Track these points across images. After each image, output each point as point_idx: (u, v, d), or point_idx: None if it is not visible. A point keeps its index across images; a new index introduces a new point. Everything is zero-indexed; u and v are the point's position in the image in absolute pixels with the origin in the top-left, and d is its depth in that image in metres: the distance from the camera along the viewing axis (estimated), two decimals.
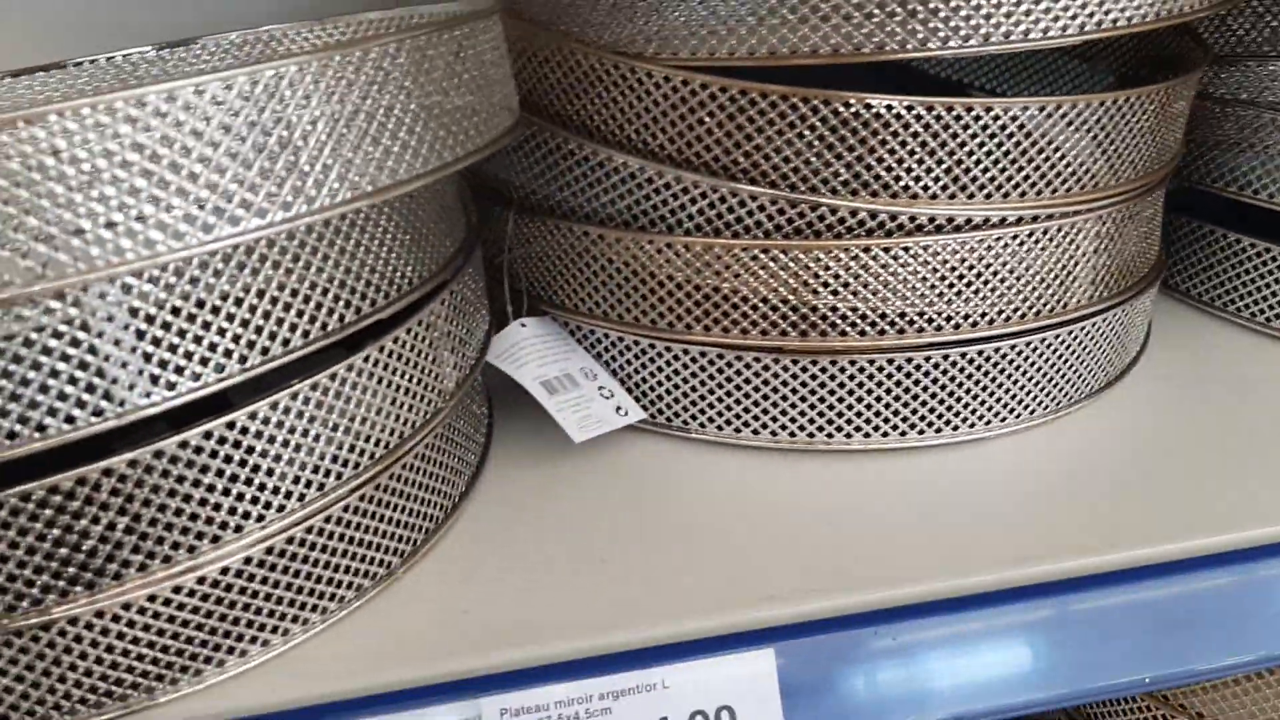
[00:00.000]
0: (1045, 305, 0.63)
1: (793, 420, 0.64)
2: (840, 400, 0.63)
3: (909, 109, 0.56)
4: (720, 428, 0.66)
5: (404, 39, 0.47)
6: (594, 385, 0.65)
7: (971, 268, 0.60)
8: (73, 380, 0.42)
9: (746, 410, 0.65)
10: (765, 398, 0.64)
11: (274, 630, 0.51)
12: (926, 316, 0.61)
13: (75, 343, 0.42)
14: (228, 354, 0.46)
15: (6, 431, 0.42)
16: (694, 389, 0.65)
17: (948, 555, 0.56)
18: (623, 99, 0.60)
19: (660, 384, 0.66)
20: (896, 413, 0.64)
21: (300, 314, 0.48)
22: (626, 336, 0.66)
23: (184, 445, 0.46)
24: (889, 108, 0.56)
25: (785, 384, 0.63)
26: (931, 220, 0.59)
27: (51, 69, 0.67)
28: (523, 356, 0.66)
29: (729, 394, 0.65)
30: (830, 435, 0.65)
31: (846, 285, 0.60)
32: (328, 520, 0.52)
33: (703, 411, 0.66)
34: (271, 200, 0.43)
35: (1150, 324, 0.77)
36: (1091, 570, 0.55)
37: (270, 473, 0.49)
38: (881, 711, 0.53)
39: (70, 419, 0.43)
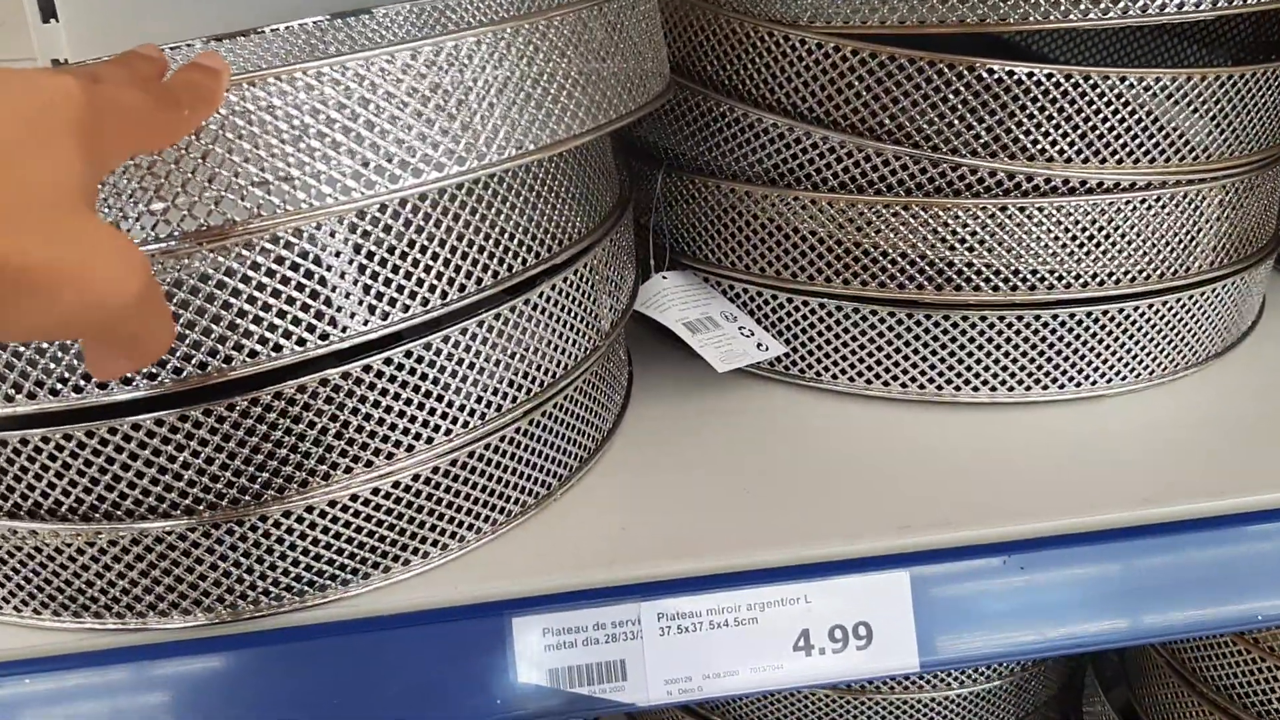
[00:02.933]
0: (1169, 268, 0.67)
1: (923, 373, 0.68)
2: (969, 354, 0.67)
3: (1048, 76, 0.60)
4: (852, 379, 0.70)
5: (567, 13, 0.52)
6: (734, 326, 0.69)
7: (1101, 229, 0.64)
8: (297, 306, 0.48)
9: (879, 363, 0.69)
10: (898, 350, 0.68)
11: (452, 535, 0.57)
12: (1056, 274, 0.65)
13: (304, 273, 0.48)
14: (432, 289, 0.51)
15: (248, 350, 0.48)
16: (829, 341, 0.69)
17: (1070, 496, 0.60)
18: (775, 64, 0.65)
19: (796, 336, 0.70)
20: (1023, 368, 0.67)
21: (491, 256, 0.54)
22: (765, 290, 0.70)
23: (388, 362, 0.52)
24: (1030, 74, 0.60)
25: (917, 338, 0.67)
26: (1065, 182, 0.63)
27: (250, 34, 0.73)
28: (666, 303, 0.70)
29: (862, 346, 0.69)
30: (958, 388, 0.68)
31: (982, 242, 0.64)
32: (502, 440, 0.57)
33: (835, 364, 0.70)
34: (449, 155, 0.48)
35: (1265, 297, 0.80)
36: (1205, 514, 0.59)
37: (457, 391, 0.54)
38: (1005, 631, 0.57)
39: (301, 342, 0.49)
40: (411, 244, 0.50)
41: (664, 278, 0.73)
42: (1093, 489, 0.61)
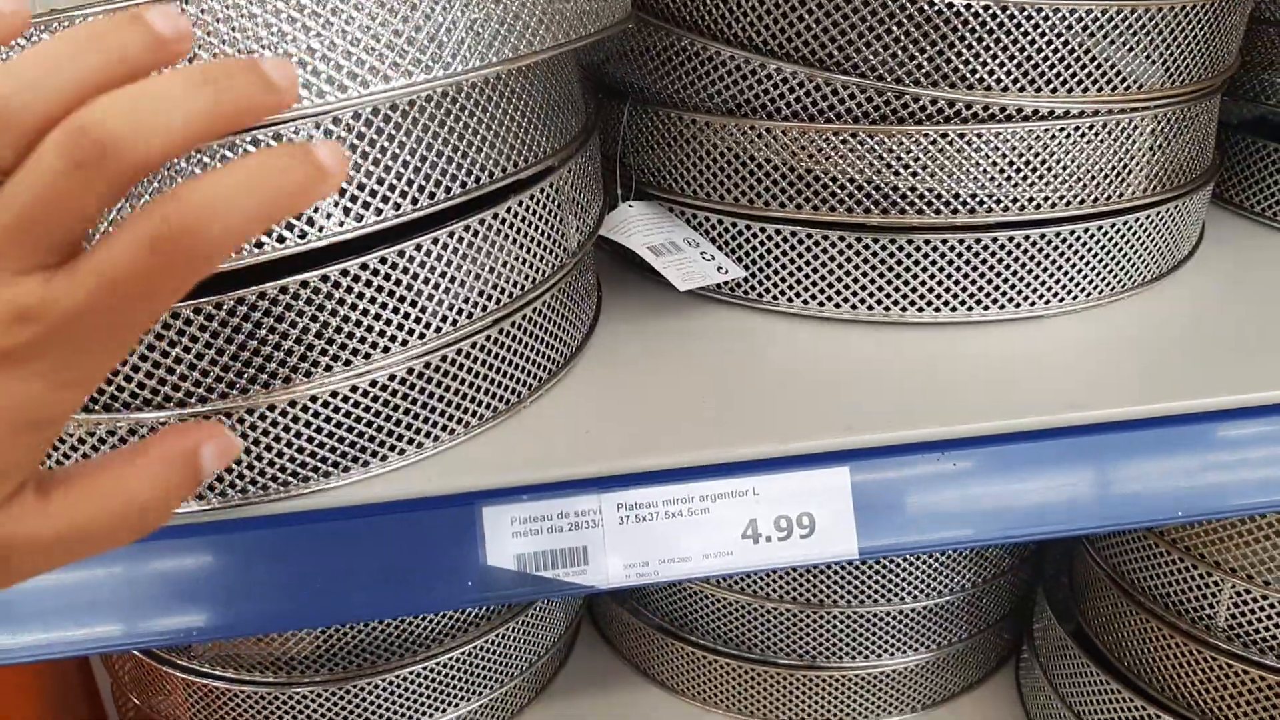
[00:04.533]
0: (1104, 194, 0.71)
1: (871, 295, 0.73)
2: (915, 276, 0.72)
3: (985, 8, 0.64)
4: (805, 302, 0.74)
5: None
6: (696, 251, 0.74)
7: (1036, 154, 0.68)
8: None
9: (830, 285, 0.73)
10: (847, 274, 0.72)
11: (426, 435, 0.61)
12: (995, 198, 0.69)
13: None
14: (403, 194, 0.55)
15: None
16: (784, 265, 0.74)
17: (1005, 402, 0.64)
18: None
19: (754, 261, 0.75)
20: (965, 289, 0.72)
21: (459, 167, 0.58)
22: (725, 218, 0.75)
23: (364, 267, 0.56)
24: (967, 6, 0.64)
25: (866, 260, 0.72)
26: (1002, 110, 0.67)
27: None
28: (631, 229, 0.75)
29: (815, 270, 0.73)
30: (904, 309, 0.73)
31: (925, 167, 0.68)
32: (473, 346, 0.61)
33: (790, 287, 0.74)
34: (416, 64, 0.51)
35: (1204, 228, 0.84)
36: (1126, 417, 0.63)
37: (430, 298, 0.58)
38: (940, 525, 0.62)
39: (281, 239, 0.53)
40: (384, 150, 0.54)
41: (630, 206, 0.77)
42: (1026, 396, 0.65)
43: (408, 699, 0.91)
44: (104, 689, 1.13)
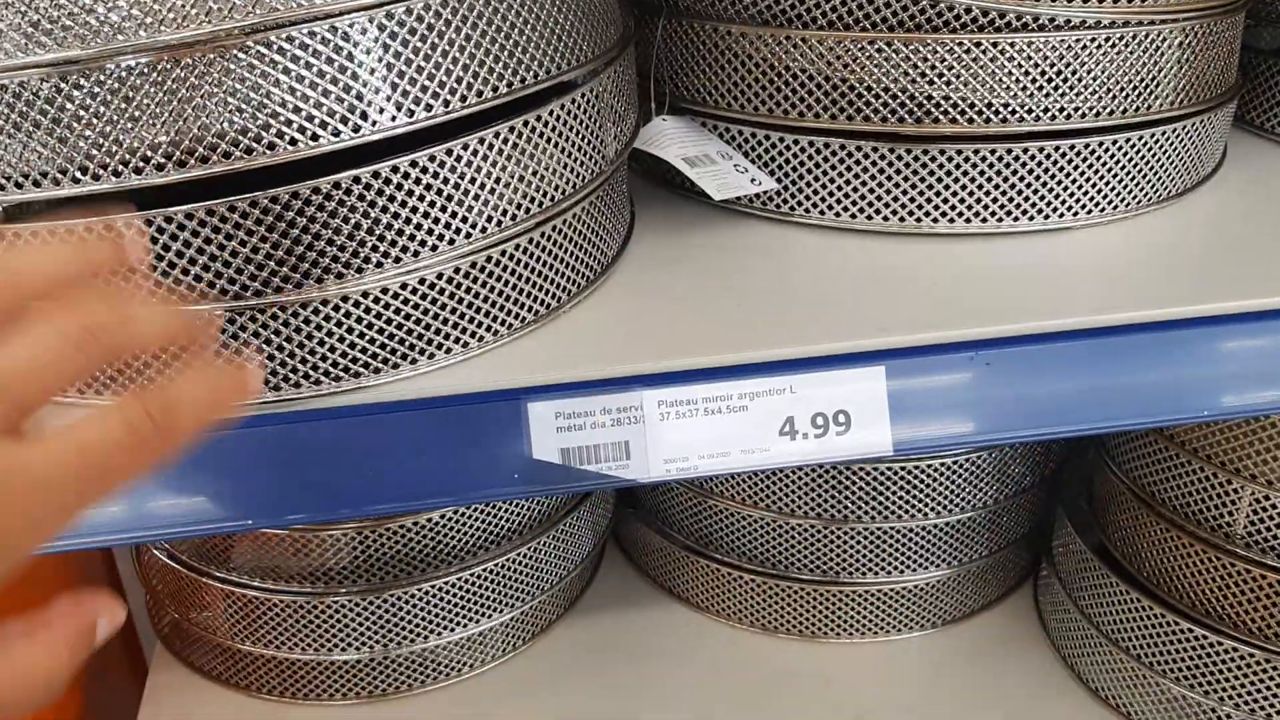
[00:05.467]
0: (1132, 105, 0.72)
1: (903, 206, 0.74)
2: (946, 187, 0.73)
3: None
4: (838, 214, 0.76)
5: None
6: (729, 163, 0.75)
7: (1068, 65, 0.69)
8: (332, 98, 0.54)
9: (862, 197, 0.74)
10: (880, 185, 0.74)
11: (472, 335, 0.63)
12: (1026, 108, 0.70)
13: (338, 67, 0.54)
14: (452, 92, 0.57)
15: (289, 139, 0.54)
16: (816, 178, 0.75)
17: (1034, 306, 0.66)
18: None
19: (785, 175, 0.76)
20: (995, 200, 0.73)
21: (505, 67, 0.59)
22: (759, 131, 0.76)
23: (414, 164, 0.57)
24: None
25: (898, 171, 0.73)
26: (1035, 19, 0.68)
27: None
28: (666, 142, 0.76)
29: (847, 181, 0.74)
30: (935, 220, 0.74)
31: (958, 76, 0.69)
32: (515, 248, 0.63)
33: (823, 199, 0.76)
34: None
35: (1226, 148, 0.85)
36: (1153, 319, 0.65)
37: (476, 198, 0.60)
38: (970, 421, 0.63)
39: (335, 133, 0.54)
40: (434, 47, 0.56)
41: (664, 120, 0.78)
42: (1055, 301, 0.67)
43: (441, 609, 0.93)
44: (135, 606, 1.16)
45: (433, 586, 0.92)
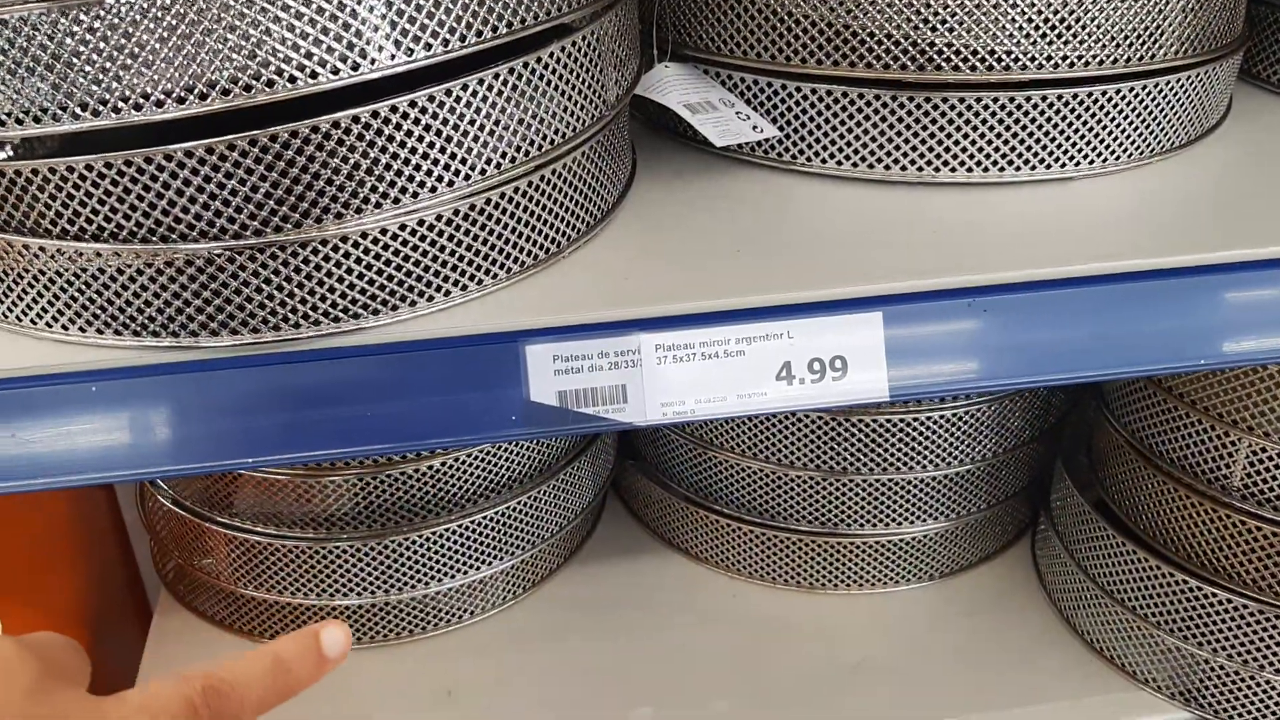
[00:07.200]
0: (1136, 54, 0.72)
1: (904, 155, 0.74)
2: (948, 136, 0.73)
3: None
4: (839, 162, 0.76)
5: None
6: (731, 110, 0.75)
7: (1071, 12, 0.69)
8: (331, 36, 0.54)
9: (864, 145, 0.74)
10: (881, 133, 0.74)
11: (471, 278, 0.63)
12: (1030, 56, 0.70)
13: (337, 5, 0.54)
14: (452, 31, 0.57)
15: (288, 76, 0.54)
16: (818, 125, 0.75)
17: (1034, 253, 0.66)
18: None
19: (788, 123, 0.76)
20: (997, 149, 0.73)
21: (506, 7, 0.59)
22: (761, 78, 0.75)
23: (413, 104, 0.57)
24: None
25: (900, 119, 0.73)
26: None
27: None
28: (668, 88, 0.76)
29: (849, 129, 0.74)
30: (937, 169, 0.74)
31: (961, 23, 0.69)
32: (515, 191, 0.63)
33: (825, 148, 0.75)
34: None
35: (1231, 100, 0.85)
36: (1153, 267, 0.65)
37: (475, 139, 0.60)
38: (968, 365, 0.63)
39: (335, 70, 0.54)
40: None
41: (666, 67, 0.78)
42: (1055, 248, 0.67)
43: (442, 556, 0.94)
44: (140, 554, 1.17)
45: (433, 533, 0.92)
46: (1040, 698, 0.93)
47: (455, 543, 0.94)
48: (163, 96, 0.53)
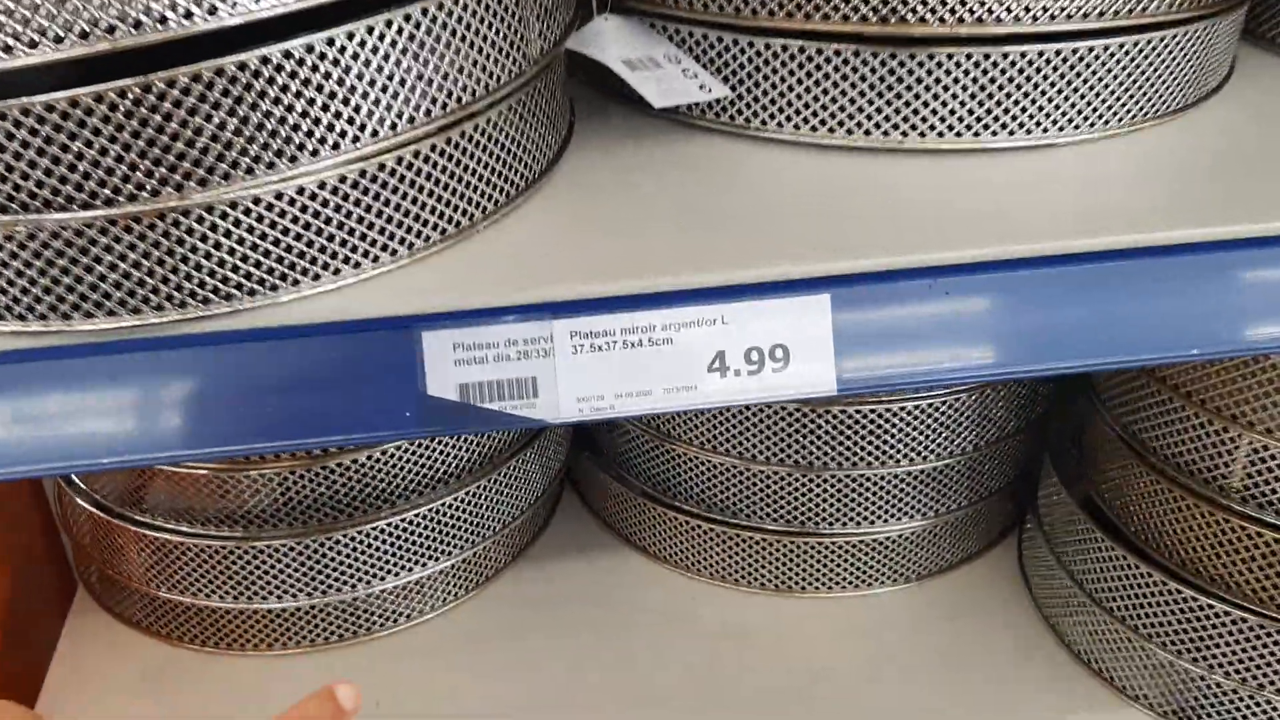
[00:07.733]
0: (1126, 6, 0.64)
1: (869, 118, 0.66)
2: (917, 96, 0.65)
3: None
4: (797, 125, 0.68)
5: None
6: (677, 68, 0.67)
7: None
8: None
9: (824, 107, 0.67)
10: (843, 93, 0.66)
11: (365, 254, 0.55)
12: (1007, 6, 0.62)
13: None
14: None
15: (133, 20, 0.46)
16: (774, 85, 0.67)
17: (1005, 229, 0.58)
18: None
19: (741, 82, 0.68)
20: (971, 111, 0.65)
21: None
22: (711, 33, 0.68)
23: (288, 55, 0.50)
24: None
25: (864, 78, 0.65)
26: None
27: None
28: (606, 43, 0.68)
29: (808, 89, 0.66)
30: (905, 134, 0.66)
31: None
32: (415, 156, 0.55)
33: (781, 110, 0.68)
34: None
35: (1235, 60, 0.77)
36: (1140, 244, 0.57)
37: (365, 96, 0.52)
38: (926, 353, 0.56)
39: (188, 15, 0.47)
40: None
41: (606, 19, 0.70)
42: (1029, 223, 0.59)
43: (374, 555, 0.87)
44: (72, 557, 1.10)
45: (364, 531, 0.85)
46: (1022, 712, 0.86)
47: (388, 541, 0.87)
48: (11, 41, 0.46)
